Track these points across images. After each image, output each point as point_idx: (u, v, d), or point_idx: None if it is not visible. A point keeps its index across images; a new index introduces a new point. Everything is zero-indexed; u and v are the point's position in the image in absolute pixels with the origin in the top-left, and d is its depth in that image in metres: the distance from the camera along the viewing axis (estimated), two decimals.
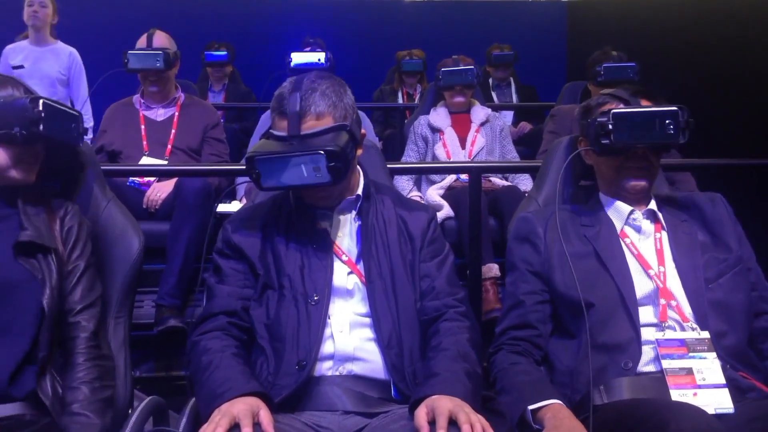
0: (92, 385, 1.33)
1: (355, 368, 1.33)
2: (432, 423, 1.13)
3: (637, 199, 1.55)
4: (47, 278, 1.34)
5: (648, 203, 1.56)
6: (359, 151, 1.46)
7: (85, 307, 1.40)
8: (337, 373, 1.33)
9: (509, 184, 3.04)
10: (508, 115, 4.70)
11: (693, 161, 2.64)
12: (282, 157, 1.32)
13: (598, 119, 1.48)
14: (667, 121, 1.45)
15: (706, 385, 1.33)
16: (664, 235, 1.52)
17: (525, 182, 3.05)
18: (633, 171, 1.51)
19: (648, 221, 1.54)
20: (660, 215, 1.54)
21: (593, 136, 1.50)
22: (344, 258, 1.41)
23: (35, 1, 3.72)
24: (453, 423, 1.12)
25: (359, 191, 1.48)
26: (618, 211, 1.54)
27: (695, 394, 1.32)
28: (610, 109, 1.48)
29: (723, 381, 1.34)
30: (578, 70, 4.09)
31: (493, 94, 4.91)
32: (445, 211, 2.83)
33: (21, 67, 3.73)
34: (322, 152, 1.31)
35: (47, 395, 1.30)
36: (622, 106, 1.52)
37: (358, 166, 1.50)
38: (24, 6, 3.77)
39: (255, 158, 1.33)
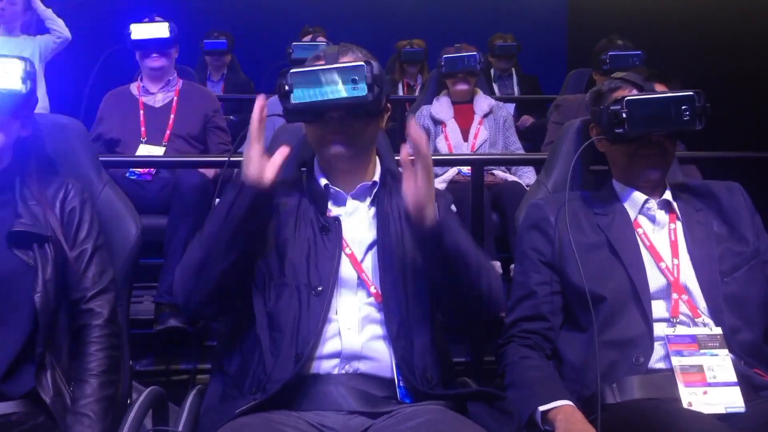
0: (100, 379, 1.29)
1: (362, 366, 1.30)
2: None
3: (651, 187, 1.49)
4: (40, 270, 1.29)
5: (663, 192, 1.50)
6: (382, 124, 1.44)
7: (98, 292, 1.35)
8: (343, 372, 1.29)
9: (513, 178, 3.00)
10: (510, 107, 4.66)
11: (699, 154, 2.61)
12: (318, 71, 1.28)
13: (611, 107, 1.41)
14: (683, 107, 1.39)
15: (716, 383, 1.30)
16: (679, 225, 1.47)
17: (528, 175, 3.01)
18: (648, 159, 1.45)
19: (662, 211, 1.49)
20: (675, 205, 1.49)
21: (606, 125, 1.44)
22: (348, 251, 1.36)
23: None
24: None
25: (376, 178, 1.44)
26: (632, 199, 1.49)
27: (705, 393, 1.29)
28: (623, 96, 1.42)
29: (734, 379, 1.30)
30: (579, 60, 4.05)
31: (495, 86, 4.87)
32: None
33: None
34: (362, 63, 1.28)
35: (48, 393, 1.26)
36: (635, 92, 1.46)
37: (375, 155, 1.47)
38: None
39: (288, 71, 1.29)
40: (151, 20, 2.88)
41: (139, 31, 2.82)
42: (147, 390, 1.32)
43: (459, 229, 1.31)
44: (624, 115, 1.39)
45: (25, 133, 1.40)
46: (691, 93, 1.41)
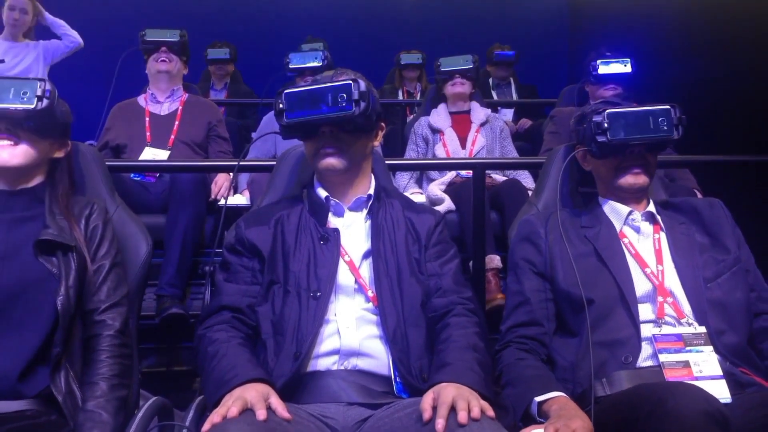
0: (111, 382, 1.36)
1: (360, 363, 1.36)
2: (436, 409, 1.16)
3: (635, 198, 1.58)
4: (63, 276, 1.37)
5: (647, 206, 1.59)
6: (377, 141, 1.53)
7: (111, 305, 1.43)
8: (342, 368, 1.35)
9: (509, 178, 3.05)
10: (509, 113, 4.72)
11: (692, 158, 2.66)
12: (309, 90, 1.40)
13: (594, 119, 1.53)
14: (660, 119, 1.52)
15: (703, 377, 1.36)
16: (663, 235, 1.55)
17: (525, 180, 3.07)
18: (630, 170, 1.54)
19: (647, 223, 1.57)
20: (658, 217, 1.58)
21: (590, 136, 1.54)
22: (347, 258, 1.44)
23: (17, 7, 3.76)
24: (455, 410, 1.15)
25: (371, 191, 1.52)
26: (617, 211, 1.58)
27: None
28: (604, 109, 1.53)
29: (720, 372, 1.36)
30: (579, 69, 4.10)
31: (493, 93, 4.93)
32: (447, 204, 2.85)
33: (1, 61, 3.75)
34: (350, 81, 1.39)
35: (60, 391, 1.31)
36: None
37: (370, 170, 1.55)
38: (4, 7, 3.81)
39: (283, 91, 1.41)
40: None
41: (153, 33, 2.96)
42: (152, 399, 1.37)
43: (470, 369, 1.29)
44: (606, 125, 1.51)
45: (59, 155, 1.51)
46: (668, 106, 1.53)
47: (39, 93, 1.42)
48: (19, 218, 1.43)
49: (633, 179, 1.54)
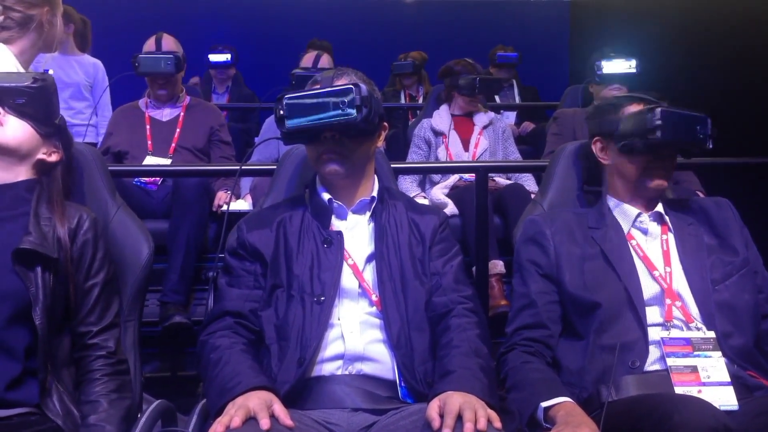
0: (109, 398, 1.33)
1: (365, 368, 1.35)
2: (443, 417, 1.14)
3: (655, 198, 1.56)
4: (41, 297, 1.29)
5: (655, 206, 1.57)
6: (380, 142, 1.52)
7: (103, 328, 1.38)
8: (347, 373, 1.35)
9: (513, 182, 3.05)
10: (511, 116, 4.72)
11: (697, 160, 2.63)
12: (310, 95, 1.38)
13: (648, 115, 1.49)
14: (698, 126, 1.51)
15: (710, 383, 1.34)
16: (671, 236, 1.54)
17: (528, 183, 3.06)
18: (658, 171, 1.53)
19: (655, 223, 1.56)
20: (666, 218, 1.56)
21: (637, 132, 1.50)
22: (350, 262, 1.43)
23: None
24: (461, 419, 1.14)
25: (374, 194, 1.51)
26: (625, 213, 1.56)
27: (699, 392, 1.33)
28: (654, 107, 1.49)
29: (728, 379, 1.35)
30: (581, 71, 4.10)
31: (496, 97, 4.92)
32: (450, 209, 2.84)
33: (45, 72, 3.70)
34: (351, 86, 1.37)
35: (57, 415, 1.28)
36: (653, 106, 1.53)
37: (373, 172, 1.54)
38: None
39: (283, 97, 1.39)
40: (159, 47, 2.92)
41: (146, 64, 2.84)
42: (156, 402, 1.36)
43: (473, 377, 1.27)
44: (659, 123, 1.47)
45: (51, 159, 1.45)
46: (705, 116, 1.53)
47: (36, 75, 1.40)
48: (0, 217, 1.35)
49: (659, 181, 1.53)
